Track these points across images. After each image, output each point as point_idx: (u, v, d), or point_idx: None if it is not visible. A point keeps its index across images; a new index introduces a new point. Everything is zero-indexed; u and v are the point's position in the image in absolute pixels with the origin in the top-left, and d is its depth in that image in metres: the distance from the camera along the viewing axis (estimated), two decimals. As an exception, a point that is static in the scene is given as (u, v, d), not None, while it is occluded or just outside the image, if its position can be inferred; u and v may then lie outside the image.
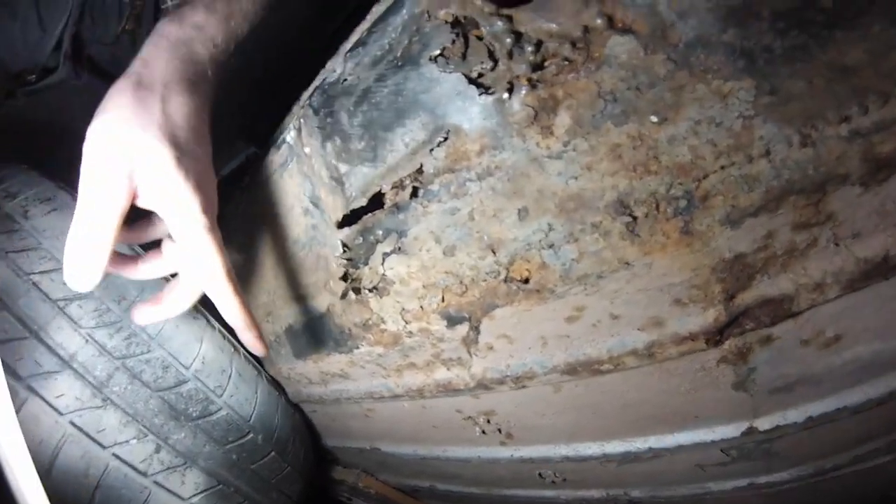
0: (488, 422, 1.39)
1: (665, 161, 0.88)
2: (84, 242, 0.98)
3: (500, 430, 1.40)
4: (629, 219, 0.92)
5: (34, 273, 1.34)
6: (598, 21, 0.86)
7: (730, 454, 1.25)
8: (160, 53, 1.04)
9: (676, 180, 0.89)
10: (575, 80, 0.89)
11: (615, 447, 1.32)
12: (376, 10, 1.07)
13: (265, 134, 1.31)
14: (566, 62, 0.89)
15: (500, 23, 0.91)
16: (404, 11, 1.01)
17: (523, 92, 0.91)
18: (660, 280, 0.97)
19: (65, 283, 1.16)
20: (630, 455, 1.32)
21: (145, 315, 1.21)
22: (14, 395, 1.24)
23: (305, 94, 1.19)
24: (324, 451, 2.11)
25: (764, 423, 1.16)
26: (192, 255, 1.05)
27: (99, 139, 0.97)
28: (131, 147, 0.96)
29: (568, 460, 1.39)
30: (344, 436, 1.93)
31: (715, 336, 1.02)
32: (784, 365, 1.07)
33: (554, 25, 0.89)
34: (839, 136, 0.84)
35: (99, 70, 1.68)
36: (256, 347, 1.19)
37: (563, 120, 0.90)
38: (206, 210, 1.02)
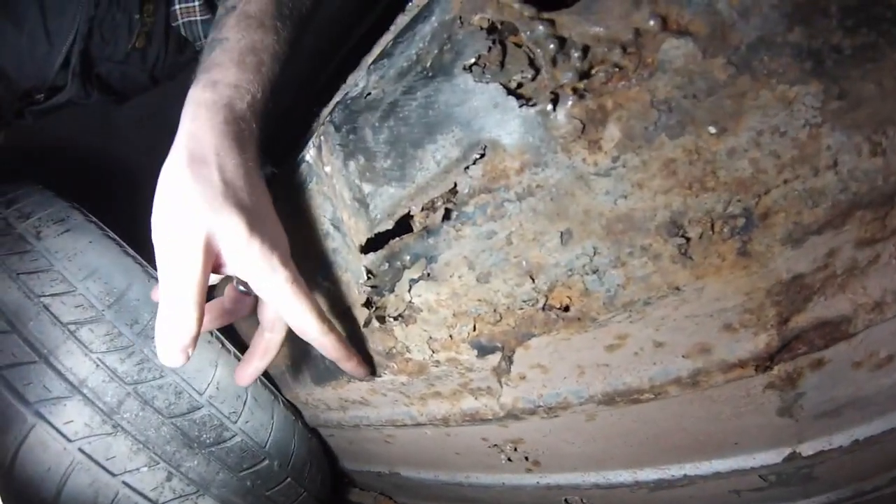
0: (515, 449, 1.26)
1: (723, 176, 0.76)
2: (173, 322, 0.90)
3: (526, 458, 1.27)
4: (682, 240, 0.80)
5: (45, 295, 1.26)
6: (651, 23, 0.74)
7: (768, 479, 1.12)
8: (203, 123, 0.96)
9: (735, 197, 0.77)
10: (626, 88, 0.76)
11: (648, 475, 1.20)
12: (401, 21, 0.95)
13: (282, 153, 1.19)
14: (616, 69, 0.76)
15: (541, 27, 0.78)
16: (433, 19, 0.89)
17: (569, 103, 0.78)
18: (710, 305, 0.85)
19: (76, 307, 1.22)
20: (663, 482, 1.19)
21: (248, 376, 1.19)
22: (22, 420, 1.19)
23: (326, 111, 1.07)
24: (341, 473, 1.99)
25: (807, 449, 1.04)
26: (284, 311, 1.02)
27: (168, 222, 0.92)
28: (203, 223, 0.90)
29: (597, 487, 1.27)
30: (362, 460, 1.80)
31: (765, 362, 0.90)
32: (834, 389, 0.95)
33: (601, 29, 0.76)
34: None
35: (109, 88, 1.62)
36: (359, 373, 1.16)
37: (612, 133, 0.78)
38: (285, 264, 0.98)
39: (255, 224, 0.94)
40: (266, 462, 1.49)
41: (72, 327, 1.26)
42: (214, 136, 0.95)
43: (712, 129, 0.74)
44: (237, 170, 0.96)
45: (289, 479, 1.56)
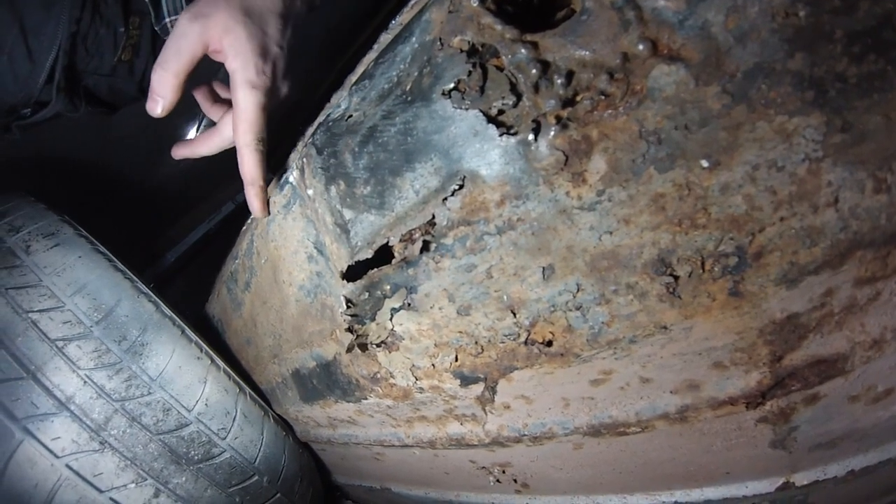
0: (503, 472, 1.18)
1: (715, 213, 0.68)
2: (162, 70, 1.02)
3: (515, 480, 1.19)
4: (670, 279, 0.72)
5: (33, 311, 1.21)
6: (640, 47, 0.66)
7: (760, 507, 1.04)
8: None
9: (727, 235, 0.69)
10: (612, 117, 0.68)
11: (638, 500, 1.13)
12: (384, 39, 0.87)
13: (276, 164, 1.12)
14: (602, 96, 0.68)
15: (523, 50, 0.70)
16: (414, 40, 0.81)
17: (552, 133, 0.69)
18: (699, 344, 0.78)
19: (64, 323, 1.19)
20: (653, 509, 1.10)
21: (179, 150, 1.22)
22: (9, 437, 1.16)
23: (309, 130, 0.99)
24: (333, 486, 1.93)
25: (801, 479, 0.97)
26: (234, 103, 1.03)
27: (188, 13, 1.02)
28: (210, 13, 1.01)
29: (587, 511, 1.18)
30: (354, 475, 1.73)
31: (756, 399, 0.83)
32: (829, 422, 0.88)
33: (587, 53, 0.68)
34: None
35: (97, 101, 1.57)
36: (255, 206, 1.12)
37: (597, 165, 0.69)
38: (259, 72, 1.02)
39: (249, 28, 1.02)
40: (255, 478, 1.42)
41: (60, 343, 1.20)
42: None
43: (705, 163, 0.66)
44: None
45: (278, 495, 1.50)
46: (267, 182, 1.09)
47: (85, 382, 1.21)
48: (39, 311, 1.21)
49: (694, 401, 0.84)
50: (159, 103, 1.04)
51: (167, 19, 1.37)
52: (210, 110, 1.29)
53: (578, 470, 1.09)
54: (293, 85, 1.12)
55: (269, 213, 1.14)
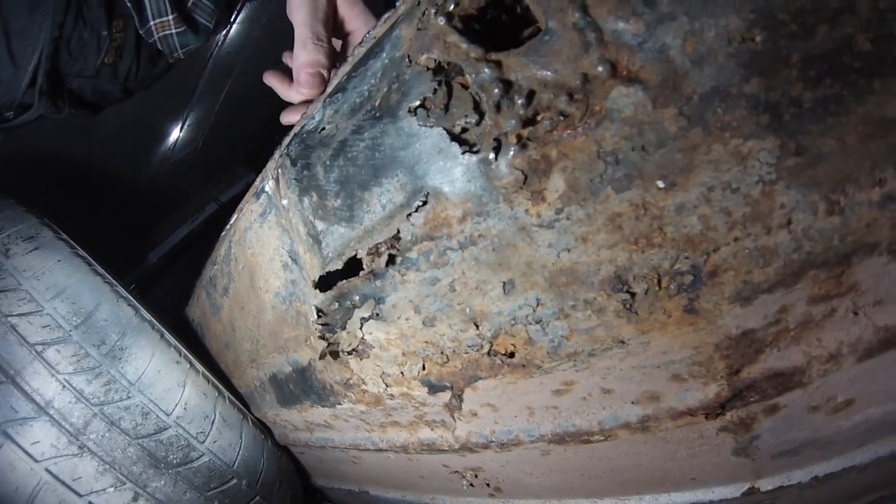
0: (476, 476, 1.19)
1: (671, 233, 0.69)
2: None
3: (488, 485, 1.20)
4: (626, 296, 0.73)
5: (12, 315, 1.21)
6: (600, 69, 0.66)
7: (729, 512, 1.04)
8: None
9: (683, 254, 0.69)
10: (571, 138, 0.68)
11: (607, 504, 1.12)
12: (358, 52, 0.87)
13: (264, 159, 1.11)
14: (561, 117, 0.68)
15: (487, 70, 0.70)
16: (384, 55, 0.81)
17: (511, 152, 0.70)
18: (657, 358, 0.79)
19: (43, 327, 1.20)
20: (623, 512, 1.11)
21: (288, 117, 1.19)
22: None
23: (286, 141, 0.99)
24: (313, 489, 1.93)
25: (766, 485, 0.97)
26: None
27: None
28: None
29: (559, 514, 1.19)
30: (332, 477, 1.73)
31: (716, 410, 0.84)
32: (791, 431, 0.89)
33: (549, 73, 0.68)
34: (871, 202, 0.66)
35: (81, 102, 1.55)
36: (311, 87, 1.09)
37: (556, 184, 0.70)
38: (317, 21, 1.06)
39: None
40: (234, 481, 1.43)
41: (38, 348, 1.20)
42: None
43: (661, 184, 0.67)
44: None
45: (258, 498, 1.50)
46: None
47: (64, 387, 1.20)
48: (18, 315, 1.21)
49: (655, 411, 0.85)
50: (315, 68, 1.04)
51: (151, 23, 1.37)
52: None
53: (548, 475, 1.09)
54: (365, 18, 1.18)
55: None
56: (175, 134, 1.49)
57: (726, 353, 0.76)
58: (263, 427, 1.59)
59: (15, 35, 1.31)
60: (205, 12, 1.49)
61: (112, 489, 1.23)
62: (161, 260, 2.61)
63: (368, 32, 0.87)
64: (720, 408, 0.82)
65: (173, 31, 1.43)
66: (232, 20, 1.83)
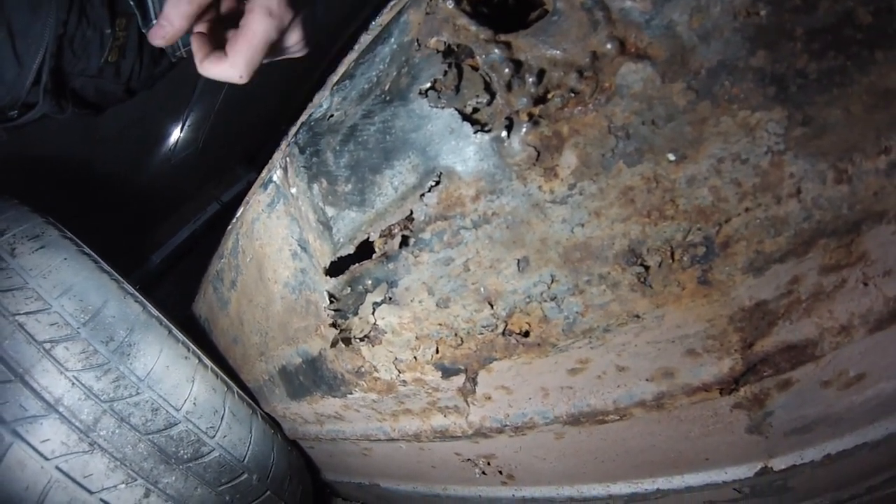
0: (488, 464, 1.21)
1: (683, 205, 0.71)
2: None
3: (500, 472, 1.22)
4: (641, 269, 0.75)
5: (20, 314, 1.22)
6: (609, 46, 0.68)
7: (742, 492, 1.07)
8: None
9: (695, 226, 0.71)
10: (582, 114, 0.71)
11: (621, 489, 1.15)
12: (364, 40, 0.90)
13: (265, 159, 1.14)
14: (572, 94, 0.70)
15: (497, 50, 0.73)
16: (393, 40, 0.84)
17: (524, 129, 0.72)
18: (672, 332, 0.80)
19: (51, 325, 1.21)
20: (637, 496, 1.14)
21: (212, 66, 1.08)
22: None
23: (293, 130, 1.01)
24: (323, 484, 1.94)
25: (779, 464, 0.99)
26: (245, 25, 1.01)
27: None
28: None
29: (572, 500, 1.22)
30: (342, 471, 1.75)
31: (730, 385, 0.85)
32: (803, 407, 0.91)
33: (558, 52, 0.71)
34: (877, 170, 0.68)
35: (84, 102, 1.58)
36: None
37: (568, 160, 0.72)
38: (279, 4, 1.00)
39: None
40: (245, 476, 1.44)
41: (47, 346, 1.22)
42: None
43: (672, 157, 0.69)
44: None
45: (268, 493, 1.52)
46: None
47: (73, 384, 1.22)
48: (26, 313, 1.22)
49: (669, 388, 0.87)
50: (165, 29, 1.00)
51: (154, 21, 1.39)
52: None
53: (561, 460, 1.11)
54: (310, 35, 1.12)
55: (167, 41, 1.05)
56: (176, 134, 1.52)
57: (740, 325, 0.78)
58: (273, 422, 1.61)
59: (19, 34, 1.33)
60: None
61: (123, 485, 1.25)
62: (165, 261, 2.63)
63: (374, 21, 0.89)
64: (734, 383, 0.84)
65: None
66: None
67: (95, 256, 1.39)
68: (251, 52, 1.01)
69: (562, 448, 1.07)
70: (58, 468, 1.20)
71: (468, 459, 1.23)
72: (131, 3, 1.40)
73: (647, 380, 0.88)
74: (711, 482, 1.06)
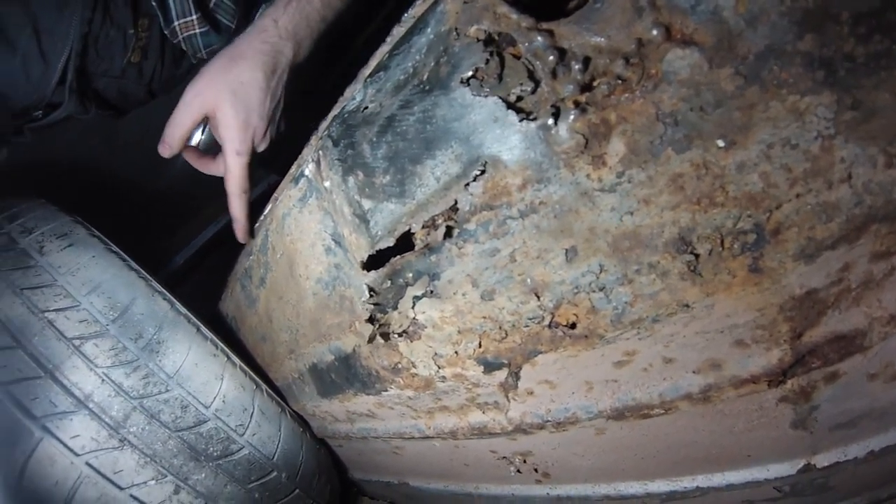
0: (524, 461, 1.22)
1: (733, 191, 0.72)
2: (172, 128, 1.36)
3: (536, 470, 1.23)
4: (691, 257, 0.76)
5: (49, 311, 1.25)
6: (654, 32, 0.70)
7: (782, 490, 1.08)
8: (246, 36, 1.37)
9: (745, 212, 0.73)
10: (629, 101, 0.72)
11: (659, 486, 1.16)
12: (397, 32, 0.91)
13: (285, 163, 1.17)
14: (619, 81, 0.72)
15: (539, 38, 0.74)
16: (429, 30, 0.85)
17: (571, 117, 0.74)
18: (721, 322, 0.81)
19: (80, 322, 1.24)
20: (675, 494, 1.15)
21: (187, 153, 1.51)
22: (29, 435, 1.19)
23: (323, 125, 1.03)
24: (350, 482, 1.96)
25: (822, 461, 1.00)
26: (225, 163, 1.37)
27: (192, 87, 1.33)
28: (205, 93, 1.32)
29: (608, 499, 1.23)
30: (371, 470, 1.77)
31: (778, 377, 0.87)
32: (849, 401, 0.92)
33: (602, 39, 0.72)
34: None
35: (106, 103, 1.62)
36: (240, 236, 1.45)
37: (616, 148, 0.74)
38: (242, 141, 1.34)
39: (237, 107, 1.32)
40: (274, 474, 1.46)
41: (76, 342, 1.24)
42: (248, 48, 1.35)
43: (721, 143, 0.70)
44: (248, 73, 1.33)
45: (297, 491, 1.53)
46: (250, 219, 1.42)
47: (103, 380, 1.24)
48: (55, 310, 1.25)
49: (717, 380, 0.88)
50: (168, 150, 1.39)
51: (176, 23, 1.44)
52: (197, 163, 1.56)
53: (600, 456, 1.12)
54: (273, 135, 1.44)
55: (251, 237, 1.45)
56: (197, 137, 1.55)
57: (790, 314, 0.79)
58: (302, 420, 1.63)
59: (45, 32, 1.37)
60: (227, 12, 1.57)
61: (153, 482, 1.27)
62: (188, 262, 2.69)
63: (406, 12, 0.91)
64: (782, 375, 0.85)
65: (197, 31, 1.52)
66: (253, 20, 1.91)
67: (123, 254, 1.41)
68: (235, 186, 1.38)
69: (601, 444, 1.08)
70: (88, 464, 1.22)
71: (503, 457, 1.24)
72: (153, 3, 1.46)
73: (693, 372, 0.89)
74: (753, 480, 1.06)
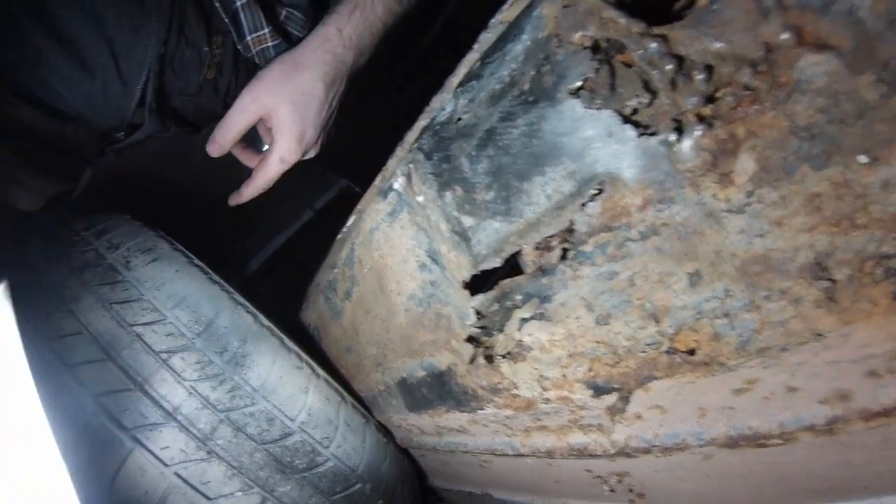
0: (619, 481, 1.18)
1: (877, 212, 0.66)
2: (224, 130, 1.47)
3: (631, 490, 1.19)
4: (828, 283, 0.70)
5: (137, 325, 1.28)
6: (784, 36, 0.64)
7: (897, 521, 1.01)
8: (309, 44, 1.46)
9: (891, 235, 0.67)
10: (759, 113, 0.67)
11: (765, 516, 1.09)
12: (485, 39, 0.88)
13: (353, 165, 1.18)
14: (746, 91, 0.67)
15: (653, 45, 0.70)
16: (525, 37, 0.81)
17: (696, 132, 0.69)
18: (856, 352, 0.76)
19: (167, 335, 1.28)
20: (782, 525, 1.08)
21: (235, 197, 1.60)
22: (120, 445, 1.22)
23: (411, 136, 1.00)
24: (428, 489, 1.96)
25: (943, 494, 0.93)
26: (266, 161, 1.49)
27: (250, 92, 1.43)
28: (264, 100, 1.42)
29: (708, 525, 1.17)
30: (453, 480, 1.75)
31: (914, 408, 0.79)
32: (984, 431, 0.84)
33: (724, 45, 0.67)
34: None
35: (184, 121, 1.66)
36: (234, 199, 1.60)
37: (745, 165, 0.69)
38: (292, 152, 1.46)
39: (293, 116, 1.41)
40: (359, 486, 1.47)
41: (164, 356, 1.27)
42: (312, 57, 1.44)
43: (863, 159, 0.65)
44: (308, 83, 1.42)
45: (381, 502, 1.54)
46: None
47: (190, 393, 1.27)
48: (143, 324, 1.28)
49: (844, 412, 0.82)
50: (218, 150, 1.49)
51: (248, 37, 1.48)
52: (241, 154, 1.67)
53: (704, 482, 1.07)
54: (324, 142, 1.55)
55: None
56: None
57: (934, 342, 0.74)
58: (385, 431, 1.64)
59: (122, 54, 1.40)
60: (296, 24, 1.60)
61: (240, 493, 1.29)
62: (261, 267, 2.77)
63: (494, 18, 0.87)
64: (919, 405, 0.80)
65: (269, 44, 1.54)
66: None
67: (205, 268, 1.44)
68: (263, 183, 1.51)
69: (707, 470, 1.03)
70: (177, 474, 1.25)
71: (598, 476, 1.20)
72: (226, 20, 1.50)
73: (819, 402, 0.84)
74: (865, 512, 1.00)
